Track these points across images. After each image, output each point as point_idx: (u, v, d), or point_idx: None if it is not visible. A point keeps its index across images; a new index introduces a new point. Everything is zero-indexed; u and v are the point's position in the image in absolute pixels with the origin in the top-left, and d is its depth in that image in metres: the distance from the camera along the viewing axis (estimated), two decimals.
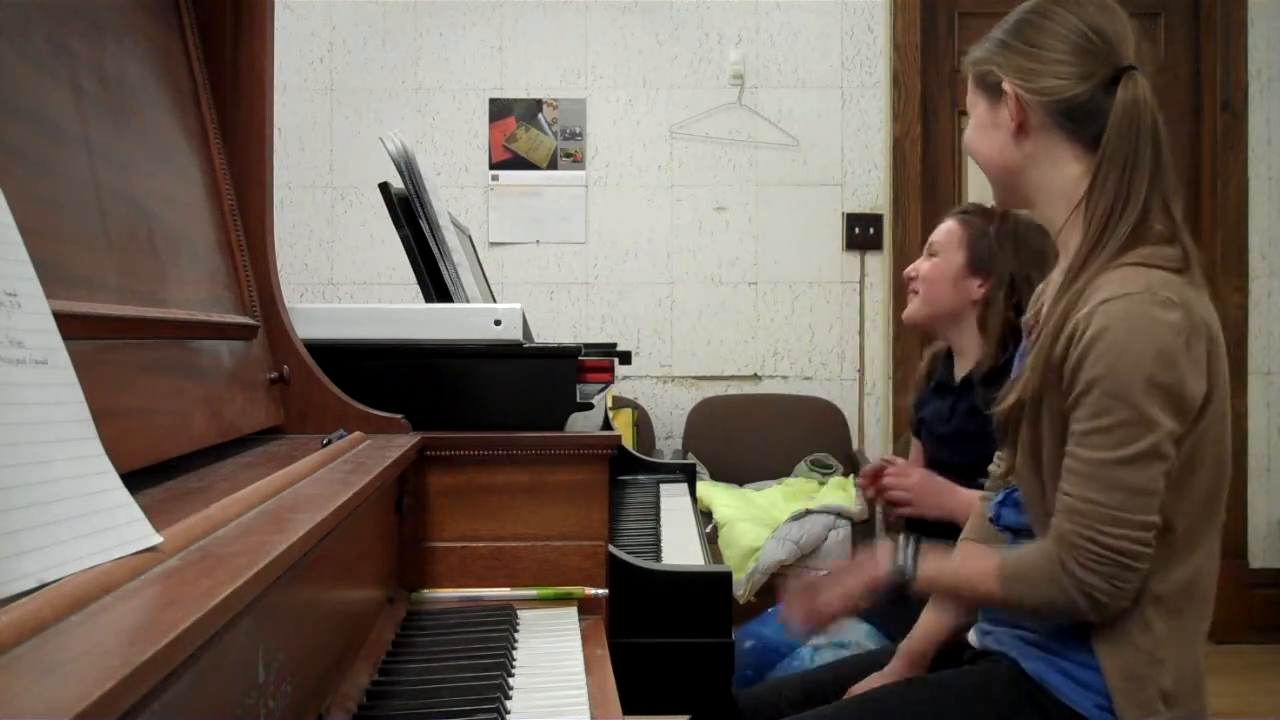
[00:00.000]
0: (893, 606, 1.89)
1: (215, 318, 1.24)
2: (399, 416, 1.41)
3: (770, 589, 3.34)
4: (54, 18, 1.00)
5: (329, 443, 1.24)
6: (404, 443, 1.31)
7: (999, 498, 1.47)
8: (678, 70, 4.15)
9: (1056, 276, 1.42)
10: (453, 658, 1.17)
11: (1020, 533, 1.43)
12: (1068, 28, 1.35)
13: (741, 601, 3.28)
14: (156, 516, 0.71)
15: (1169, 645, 1.28)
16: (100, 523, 0.66)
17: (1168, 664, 1.28)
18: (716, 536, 3.47)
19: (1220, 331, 1.30)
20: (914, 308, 2.14)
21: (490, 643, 1.21)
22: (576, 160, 4.14)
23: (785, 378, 4.14)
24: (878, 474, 2.05)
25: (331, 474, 1.09)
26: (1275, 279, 4.07)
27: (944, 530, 1.83)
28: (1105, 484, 1.23)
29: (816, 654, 1.90)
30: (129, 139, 1.13)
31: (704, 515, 3.06)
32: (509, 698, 1.06)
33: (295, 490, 0.98)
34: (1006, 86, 1.38)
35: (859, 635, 1.92)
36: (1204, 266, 1.33)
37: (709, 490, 3.62)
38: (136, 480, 0.89)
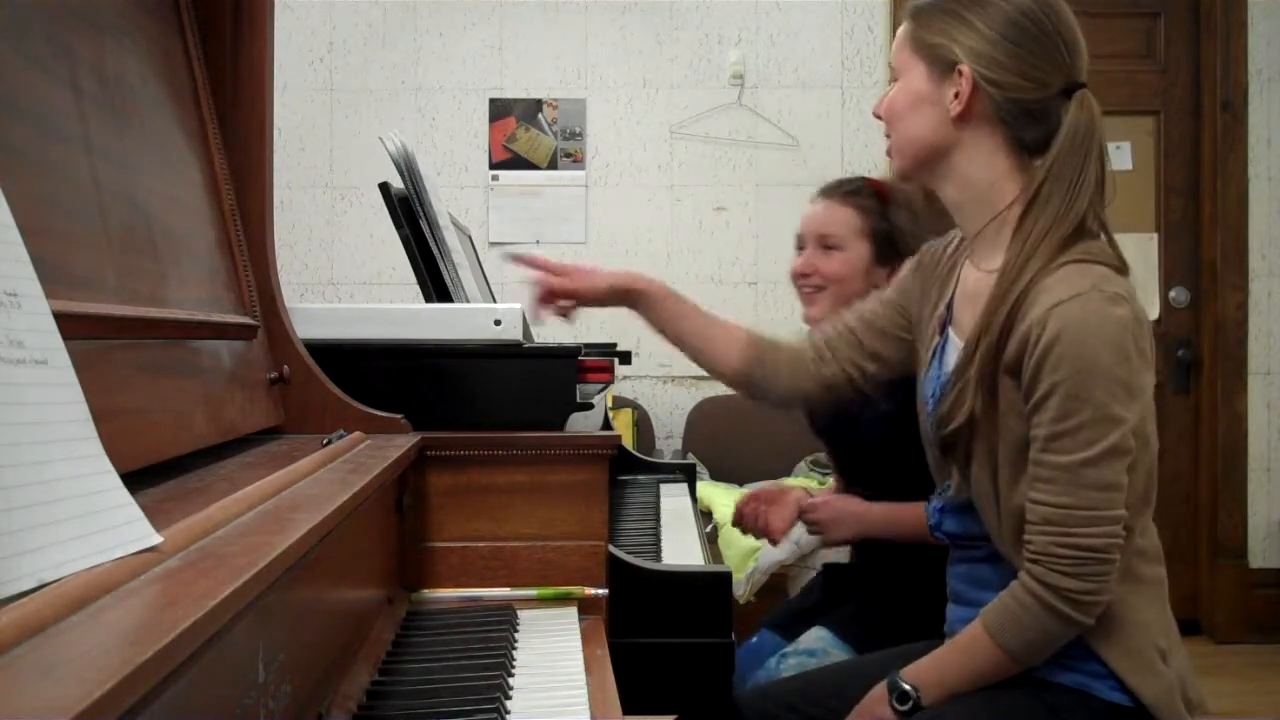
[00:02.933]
0: (849, 613, 1.89)
1: (215, 318, 1.24)
2: (399, 416, 1.41)
3: (770, 589, 3.34)
4: (54, 18, 1.00)
5: (329, 443, 1.24)
6: (404, 443, 1.31)
7: (936, 505, 1.45)
8: (678, 70, 4.15)
9: (971, 278, 1.40)
10: (453, 658, 1.17)
11: (960, 540, 1.42)
12: (1034, 23, 1.33)
13: (741, 601, 3.28)
14: (156, 516, 0.71)
15: (1145, 608, 1.32)
16: (100, 523, 0.66)
17: (1152, 625, 1.32)
18: (716, 536, 3.47)
19: (1149, 324, 1.32)
20: (823, 308, 1.89)
21: (490, 643, 1.21)
22: (576, 160, 4.14)
23: None
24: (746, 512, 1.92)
25: (331, 474, 1.09)
26: (1275, 279, 4.07)
27: (898, 548, 1.81)
28: (1076, 486, 1.24)
29: (783, 661, 1.86)
30: (129, 139, 1.13)
31: (704, 515, 3.06)
32: (509, 698, 1.07)
33: (295, 490, 0.98)
34: (965, 69, 1.34)
35: (825, 643, 1.85)
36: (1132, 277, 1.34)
37: (709, 490, 3.62)
38: (136, 480, 0.89)
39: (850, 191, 1.92)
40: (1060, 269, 1.28)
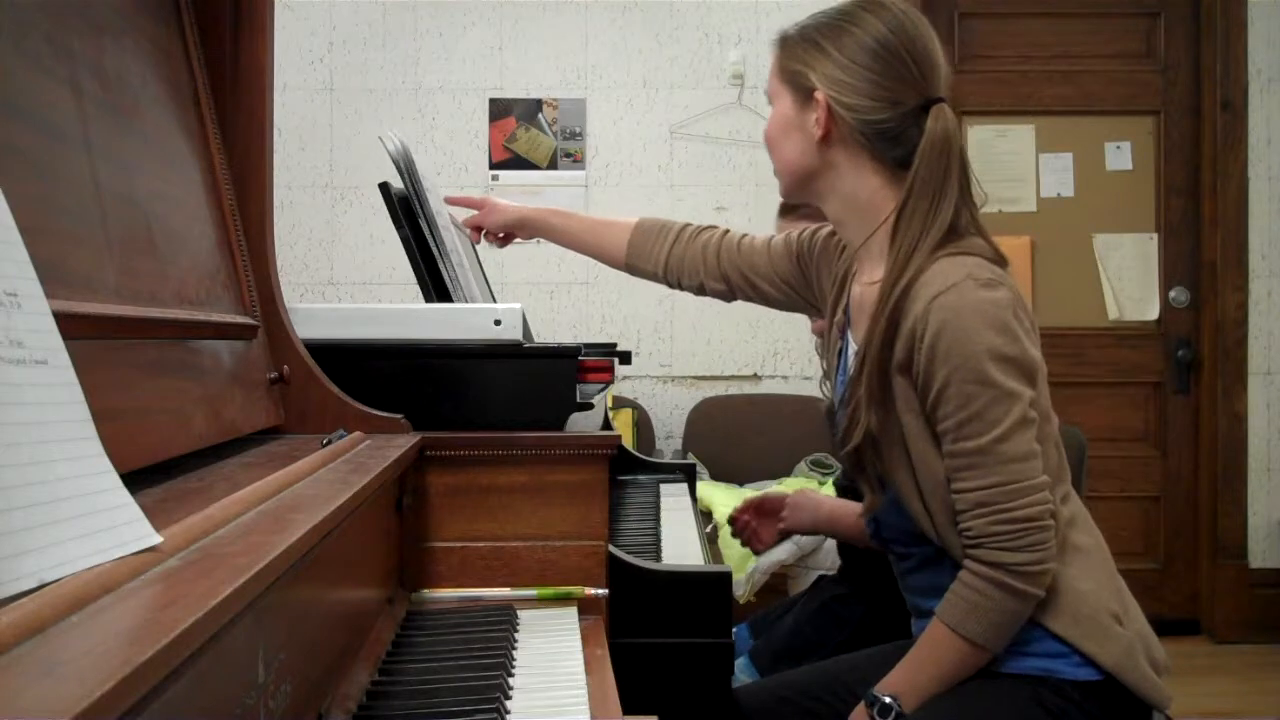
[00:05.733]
0: (768, 641, 1.92)
1: (215, 318, 1.24)
2: (399, 416, 1.41)
3: (770, 589, 3.34)
4: (54, 18, 1.00)
5: (329, 443, 1.24)
6: (404, 443, 1.31)
7: (869, 517, 1.49)
8: (678, 70, 4.15)
9: (858, 291, 1.45)
10: (453, 658, 1.17)
11: (895, 548, 1.46)
12: (886, 48, 1.37)
13: (741, 601, 3.28)
14: (156, 516, 0.71)
15: (1086, 576, 1.34)
16: (100, 523, 0.66)
17: (1098, 590, 1.34)
18: (716, 536, 3.47)
19: (1028, 301, 1.37)
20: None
21: (490, 643, 1.21)
22: (576, 160, 4.14)
23: (785, 378, 4.14)
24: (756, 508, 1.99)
25: (331, 474, 1.09)
26: (1275, 279, 4.06)
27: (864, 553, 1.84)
28: (995, 464, 1.28)
29: (753, 661, 1.91)
30: (129, 139, 1.13)
31: (704, 515, 3.06)
32: (509, 698, 1.07)
33: (295, 490, 0.98)
34: (820, 96, 1.39)
35: (740, 670, 1.89)
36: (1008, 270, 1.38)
37: (709, 490, 3.61)
38: (136, 480, 0.89)
39: (794, 206, 2.04)
40: (935, 263, 1.33)
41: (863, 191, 1.41)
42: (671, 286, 1.75)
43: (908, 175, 1.37)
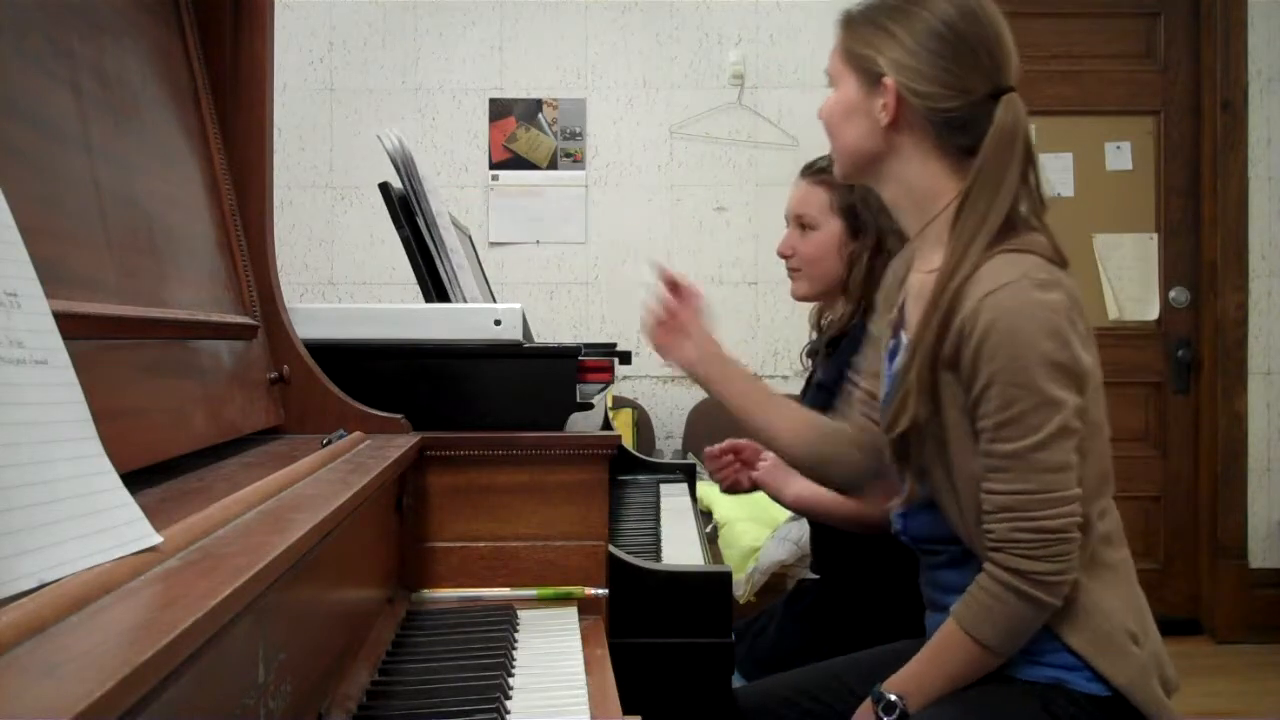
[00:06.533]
0: (750, 649, 1.91)
1: (215, 318, 1.24)
2: (399, 416, 1.41)
3: (770, 589, 3.34)
4: (54, 18, 1.00)
5: (329, 443, 1.24)
6: (404, 443, 1.31)
7: (899, 511, 1.46)
8: (678, 70, 4.15)
9: (915, 280, 1.43)
10: (453, 658, 1.17)
11: (923, 544, 1.43)
12: (955, 33, 1.35)
13: (741, 601, 3.28)
14: (156, 516, 0.71)
15: (1110, 594, 1.33)
16: (100, 523, 0.66)
17: (1120, 609, 1.33)
18: (716, 536, 3.47)
19: (1084, 306, 1.34)
20: (803, 287, 2.00)
21: (490, 643, 1.21)
22: (576, 160, 4.14)
23: (785, 378, 4.14)
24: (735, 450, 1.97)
25: (331, 474, 1.09)
26: (1275, 279, 4.06)
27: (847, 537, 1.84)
28: (1028, 471, 1.26)
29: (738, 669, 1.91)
30: (129, 139, 1.13)
31: (704, 515, 3.06)
32: (509, 698, 1.06)
33: (295, 490, 0.98)
34: (889, 82, 1.37)
35: None
36: (1069, 275, 1.35)
37: (709, 490, 3.61)
38: (136, 480, 0.89)
39: (820, 169, 1.99)
40: (991, 260, 1.30)
41: (924, 178, 1.39)
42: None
43: (971, 163, 1.35)
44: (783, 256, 2.02)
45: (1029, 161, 1.35)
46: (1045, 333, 1.26)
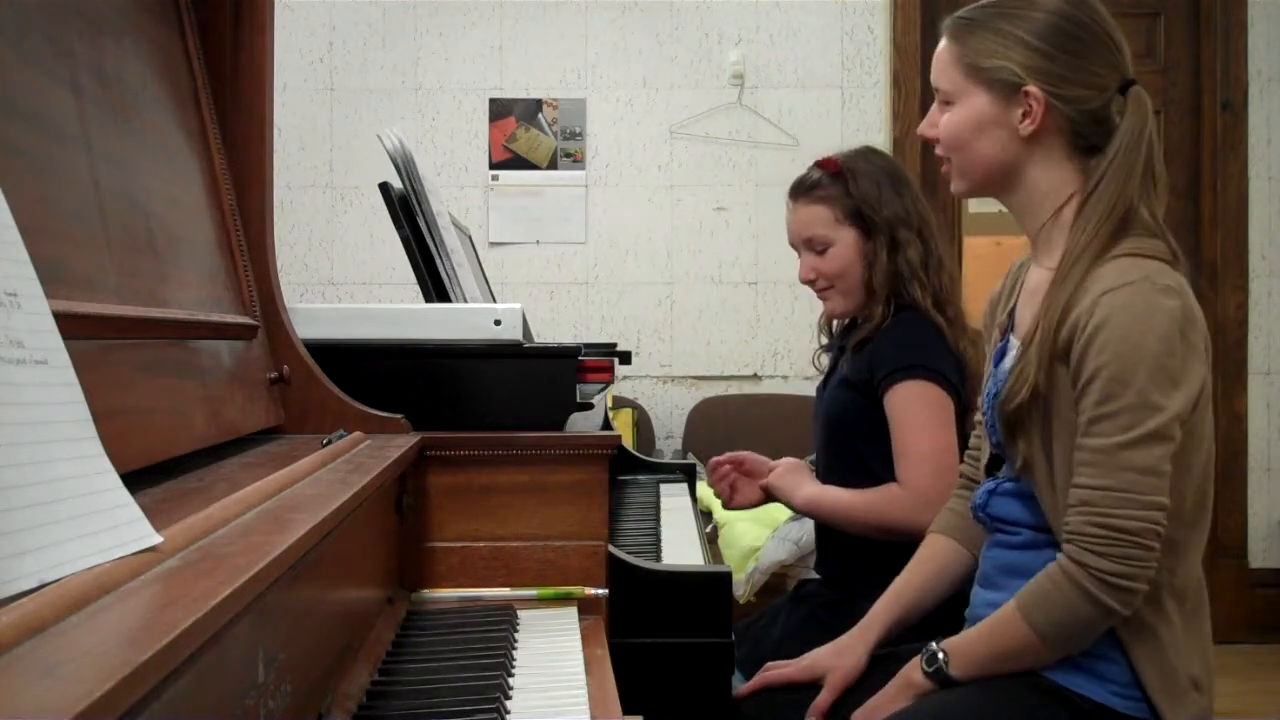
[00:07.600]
0: (752, 650, 1.91)
1: (215, 318, 1.24)
2: (399, 416, 1.41)
3: (770, 589, 3.34)
4: (54, 18, 1.00)
5: (329, 443, 1.24)
6: (404, 443, 1.31)
7: (989, 486, 1.44)
8: (678, 70, 4.15)
9: (1034, 275, 1.43)
10: (453, 658, 1.17)
11: (1001, 524, 1.41)
12: (1079, 26, 1.35)
13: (741, 601, 3.28)
14: (156, 516, 0.71)
15: (1190, 635, 1.31)
16: (100, 523, 0.66)
17: (1193, 653, 1.31)
18: (716, 536, 3.47)
19: (1204, 322, 1.33)
20: (838, 303, 1.96)
21: (490, 643, 1.21)
22: (576, 160, 4.14)
23: (785, 378, 4.14)
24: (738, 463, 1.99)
25: (331, 474, 1.09)
26: (1275, 279, 4.07)
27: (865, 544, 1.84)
28: (1113, 468, 1.24)
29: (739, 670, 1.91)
30: (129, 139, 1.13)
31: (704, 515, 3.06)
32: (509, 698, 1.06)
33: (295, 490, 0.98)
34: (1034, 90, 1.35)
35: None
36: (1186, 269, 1.35)
37: (709, 490, 3.61)
38: (136, 480, 0.89)
39: (811, 187, 1.96)
40: (1114, 261, 1.30)
41: (1050, 180, 1.38)
42: None
43: (1094, 160, 1.34)
44: (807, 283, 1.98)
45: (1152, 157, 1.34)
46: (1157, 336, 1.25)
